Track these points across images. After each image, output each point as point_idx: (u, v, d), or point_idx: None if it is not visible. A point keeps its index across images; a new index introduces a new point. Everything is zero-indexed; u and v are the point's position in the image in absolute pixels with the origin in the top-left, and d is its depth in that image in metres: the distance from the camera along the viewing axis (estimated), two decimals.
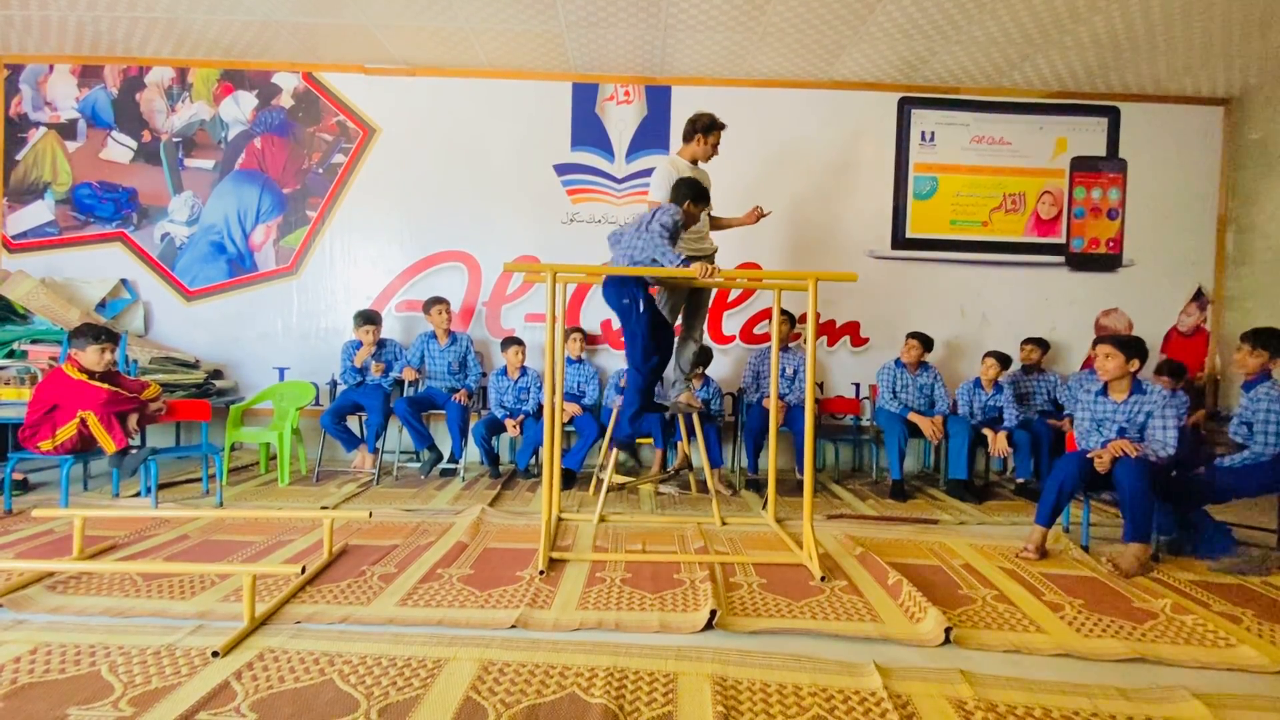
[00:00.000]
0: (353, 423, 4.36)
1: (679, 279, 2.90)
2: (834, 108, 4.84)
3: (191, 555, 2.65)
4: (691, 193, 3.04)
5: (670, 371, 3.69)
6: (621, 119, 4.81)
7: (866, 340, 4.90)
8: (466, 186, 4.80)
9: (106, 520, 3.02)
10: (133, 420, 3.29)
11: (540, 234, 4.79)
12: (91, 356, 3.17)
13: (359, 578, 2.40)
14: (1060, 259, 4.93)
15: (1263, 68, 4.40)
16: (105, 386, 3.15)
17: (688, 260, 2.81)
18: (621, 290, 2.98)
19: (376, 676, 1.69)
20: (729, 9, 3.86)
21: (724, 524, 3.27)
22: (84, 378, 3.13)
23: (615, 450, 3.33)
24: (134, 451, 3.21)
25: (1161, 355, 4.84)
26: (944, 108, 4.87)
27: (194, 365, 4.52)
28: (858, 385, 4.89)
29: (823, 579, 2.46)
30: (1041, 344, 4.51)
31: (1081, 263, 4.93)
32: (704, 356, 4.37)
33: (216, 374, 4.62)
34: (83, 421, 3.10)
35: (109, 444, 3.12)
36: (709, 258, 3.44)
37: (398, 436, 4.48)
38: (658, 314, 3.03)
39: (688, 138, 3.33)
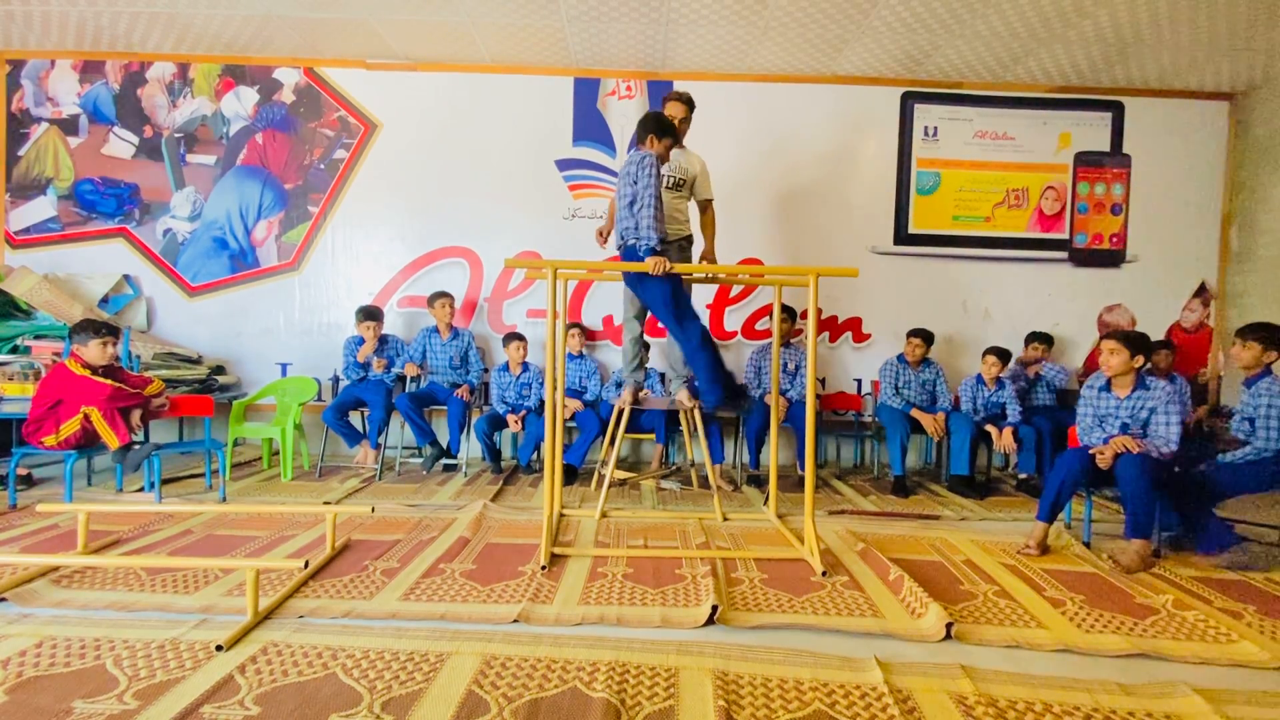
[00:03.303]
0: (355, 418, 4.38)
1: (635, 270, 2.88)
2: (836, 103, 4.82)
3: (195, 550, 2.67)
4: (649, 127, 2.89)
5: (667, 369, 3.68)
6: (623, 114, 4.79)
7: (868, 336, 4.90)
8: (468, 182, 4.80)
9: (110, 515, 3.03)
10: (136, 416, 3.30)
11: (542, 230, 4.78)
12: (94, 351, 3.18)
13: (362, 572, 2.41)
14: (1063, 255, 4.91)
15: (1268, 63, 4.37)
16: (109, 382, 3.17)
17: (653, 249, 2.77)
18: (636, 260, 2.90)
19: (379, 670, 1.70)
20: (731, 3, 3.85)
21: (725, 519, 3.27)
22: (87, 373, 3.15)
23: (616, 446, 3.34)
24: (137, 447, 3.22)
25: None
26: (947, 102, 4.85)
27: (196, 361, 4.53)
28: (860, 381, 4.89)
29: (824, 574, 2.46)
30: (1046, 340, 4.50)
31: (1084, 258, 4.92)
32: None
33: (219, 370, 4.63)
34: (86, 417, 3.12)
35: (112, 439, 3.14)
36: (678, 244, 3.39)
37: (400, 432, 4.50)
38: (675, 283, 2.96)
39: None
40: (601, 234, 3.53)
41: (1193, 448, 3.12)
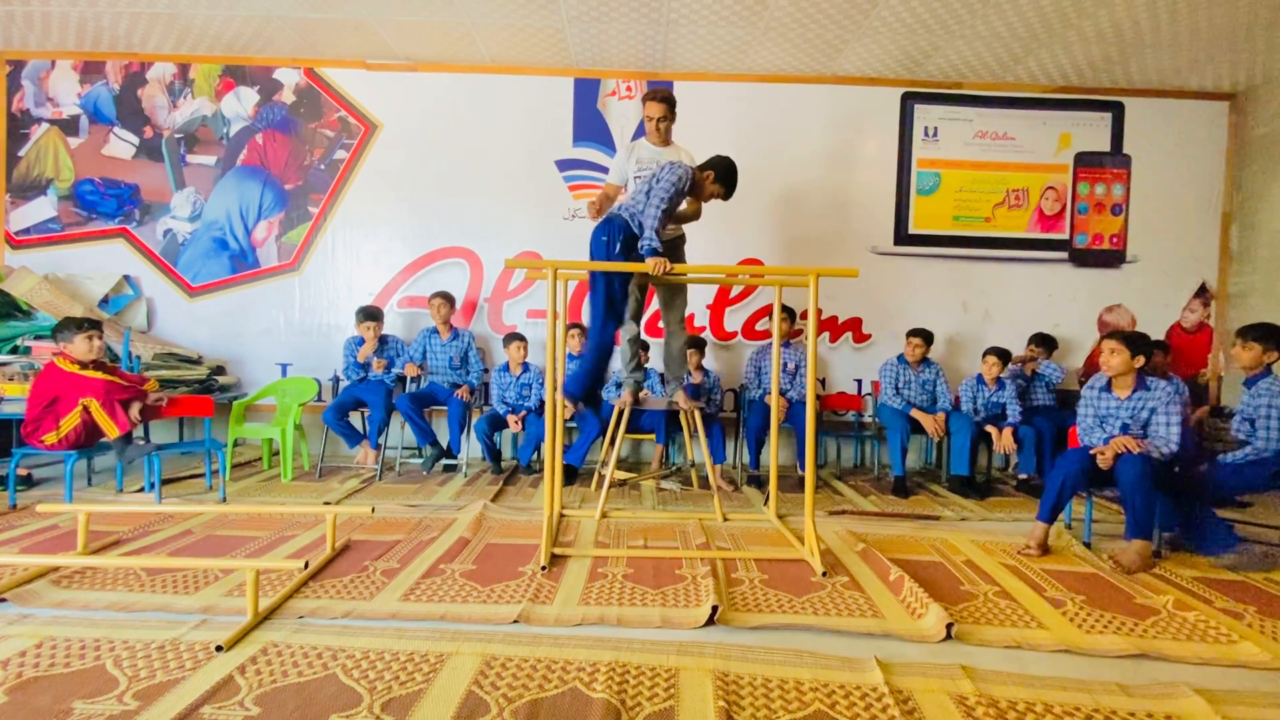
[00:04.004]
0: (355, 419, 4.38)
1: (633, 271, 2.89)
2: (837, 103, 4.83)
3: (195, 550, 2.67)
4: (718, 167, 2.97)
5: (665, 370, 3.67)
6: (623, 114, 4.80)
7: (869, 336, 4.90)
8: (468, 182, 4.80)
9: (110, 515, 3.03)
10: (135, 408, 3.30)
11: (542, 230, 4.79)
12: (80, 346, 3.18)
13: (362, 573, 2.41)
14: (1063, 255, 4.91)
15: (1268, 63, 4.37)
16: (101, 376, 3.18)
17: (655, 250, 2.78)
18: (605, 229, 2.94)
19: (380, 671, 1.70)
20: (731, 3, 3.85)
21: (726, 520, 3.27)
22: (76, 369, 3.15)
23: (617, 446, 3.34)
24: (139, 442, 3.22)
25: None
26: (947, 103, 4.85)
27: (197, 361, 4.53)
28: (860, 381, 4.89)
29: (824, 575, 2.46)
30: (1044, 342, 4.50)
31: (1085, 259, 4.92)
32: (695, 343, 4.35)
33: (219, 370, 4.63)
34: (85, 409, 3.12)
35: (112, 429, 3.15)
36: (674, 244, 3.38)
37: (400, 432, 4.50)
38: (620, 282, 2.98)
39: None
40: (594, 207, 3.40)
41: (1192, 448, 3.12)
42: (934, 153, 4.87)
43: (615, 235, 2.93)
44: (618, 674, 1.70)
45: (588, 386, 3.17)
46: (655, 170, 2.97)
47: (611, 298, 2.98)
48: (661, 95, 3.28)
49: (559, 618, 2.05)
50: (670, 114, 3.29)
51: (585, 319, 4.78)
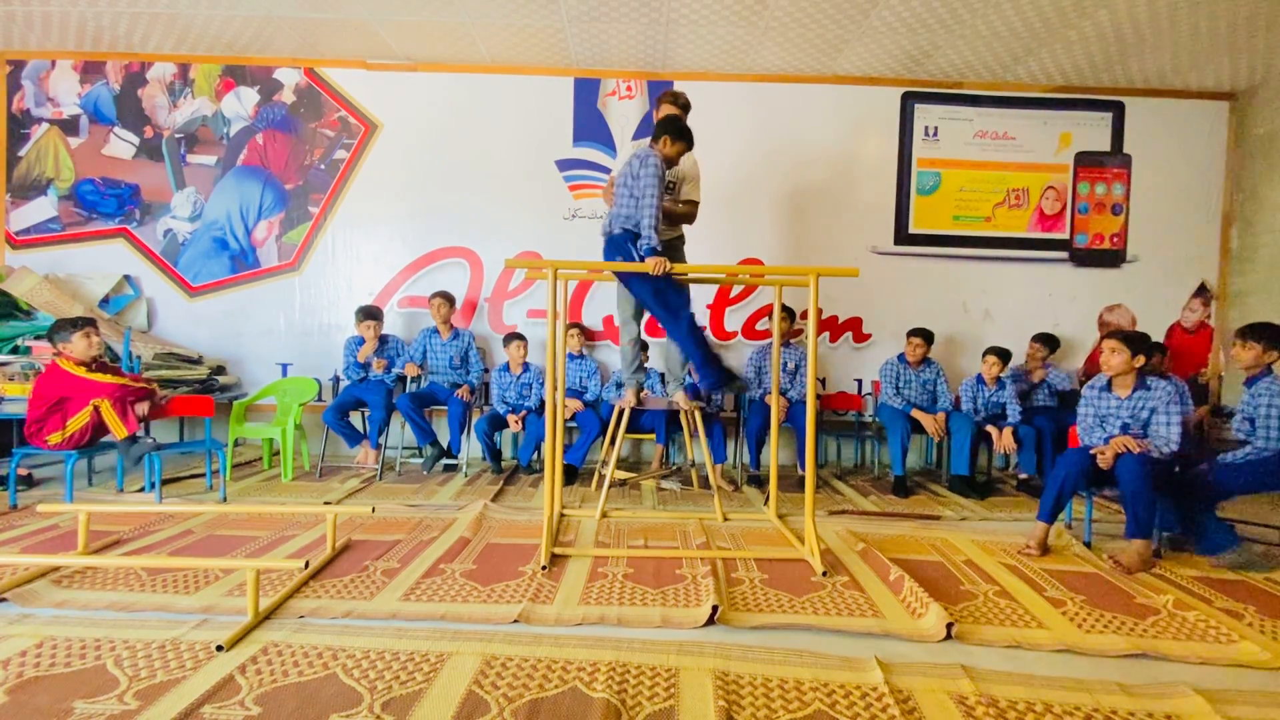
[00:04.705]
0: (355, 418, 4.38)
1: (633, 272, 2.88)
2: (837, 103, 4.83)
3: (195, 550, 2.67)
4: (665, 127, 2.88)
5: (666, 370, 3.67)
6: (624, 114, 4.80)
7: (869, 336, 4.90)
8: (468, 182, 4.80)
9: (111, 515, 3.03)
10: (143, 407, 3.30)
11: (542, 230, 4.79)
12: (79, 345, 3.17)
13: (362, 573, 2.41)
14: (1064, 255, 4.91)
15: (1268, 63, 4.37)
16: (112, 379, 3.18)
17: (654, 249, 2.76)
18: (619, 249, 2.90)
19: (380, 671, 1.70)
20: (731, 3, 3.85)
21: (726, 520, 3.27)
22: (83, 371, 3.15)
23: (617, 446, 3.34)
24: (147, 440, 3.22)
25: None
26: (947, 102, 4.85)
27: (197, 361, 4.52)
28: (860, 381, 4.89)
29: (824, 574, 2.46)
30: (1050, 342, 4.49)
31: (1085, 258, 4.92)
32: None
33: (219, 370, 4.63)
34: (96, 410, 3.12)
35: (120, 430, 3.15)
36: (672, 244, 3.37)
37: (400, 432, 4.50)
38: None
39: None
40: (608, 192, 3.32)
41: (1193, 447, 3.12)
42: (934, 152, 4.87)
43: (627, 240, 2.91)
44: (618, 674, 1.70)
45: (718, 372, 3.05)
46: (629, 170, 2.90)
47: (658, 288, 2.92)
48: (682, 102, 3.26)
49: (559, 617, 2.05)
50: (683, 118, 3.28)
51: (585, 319, 4.80)
